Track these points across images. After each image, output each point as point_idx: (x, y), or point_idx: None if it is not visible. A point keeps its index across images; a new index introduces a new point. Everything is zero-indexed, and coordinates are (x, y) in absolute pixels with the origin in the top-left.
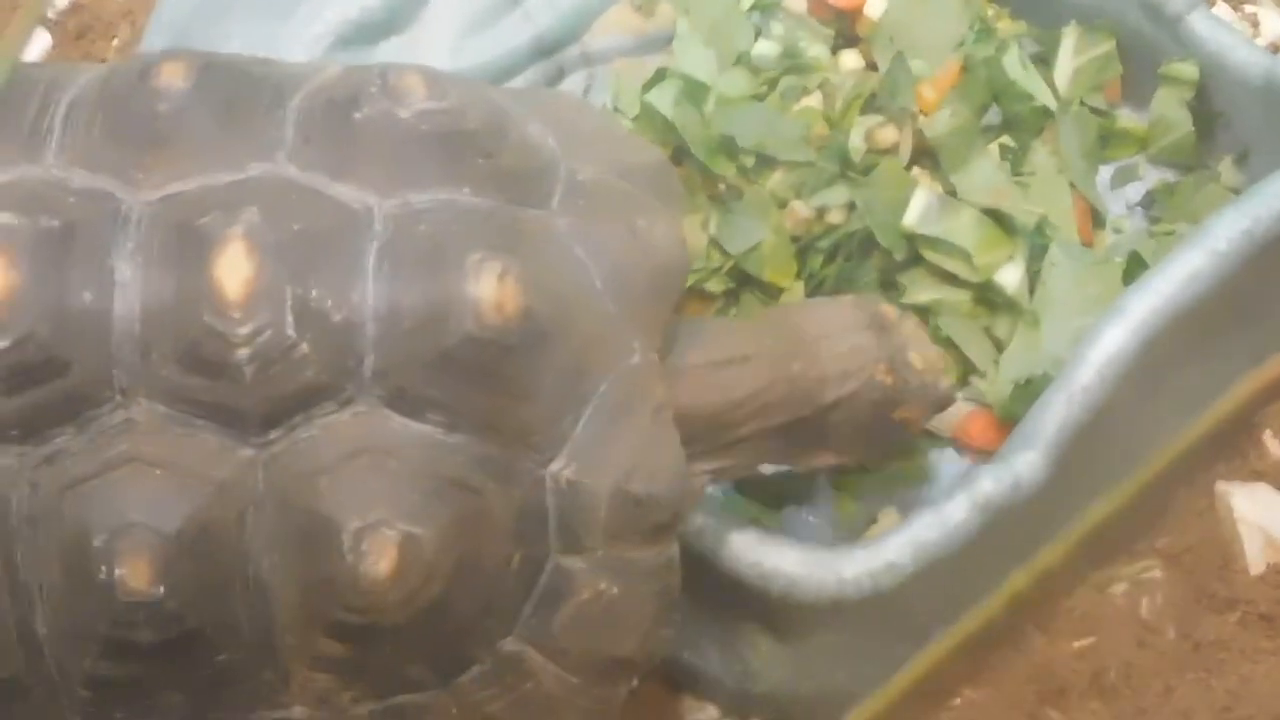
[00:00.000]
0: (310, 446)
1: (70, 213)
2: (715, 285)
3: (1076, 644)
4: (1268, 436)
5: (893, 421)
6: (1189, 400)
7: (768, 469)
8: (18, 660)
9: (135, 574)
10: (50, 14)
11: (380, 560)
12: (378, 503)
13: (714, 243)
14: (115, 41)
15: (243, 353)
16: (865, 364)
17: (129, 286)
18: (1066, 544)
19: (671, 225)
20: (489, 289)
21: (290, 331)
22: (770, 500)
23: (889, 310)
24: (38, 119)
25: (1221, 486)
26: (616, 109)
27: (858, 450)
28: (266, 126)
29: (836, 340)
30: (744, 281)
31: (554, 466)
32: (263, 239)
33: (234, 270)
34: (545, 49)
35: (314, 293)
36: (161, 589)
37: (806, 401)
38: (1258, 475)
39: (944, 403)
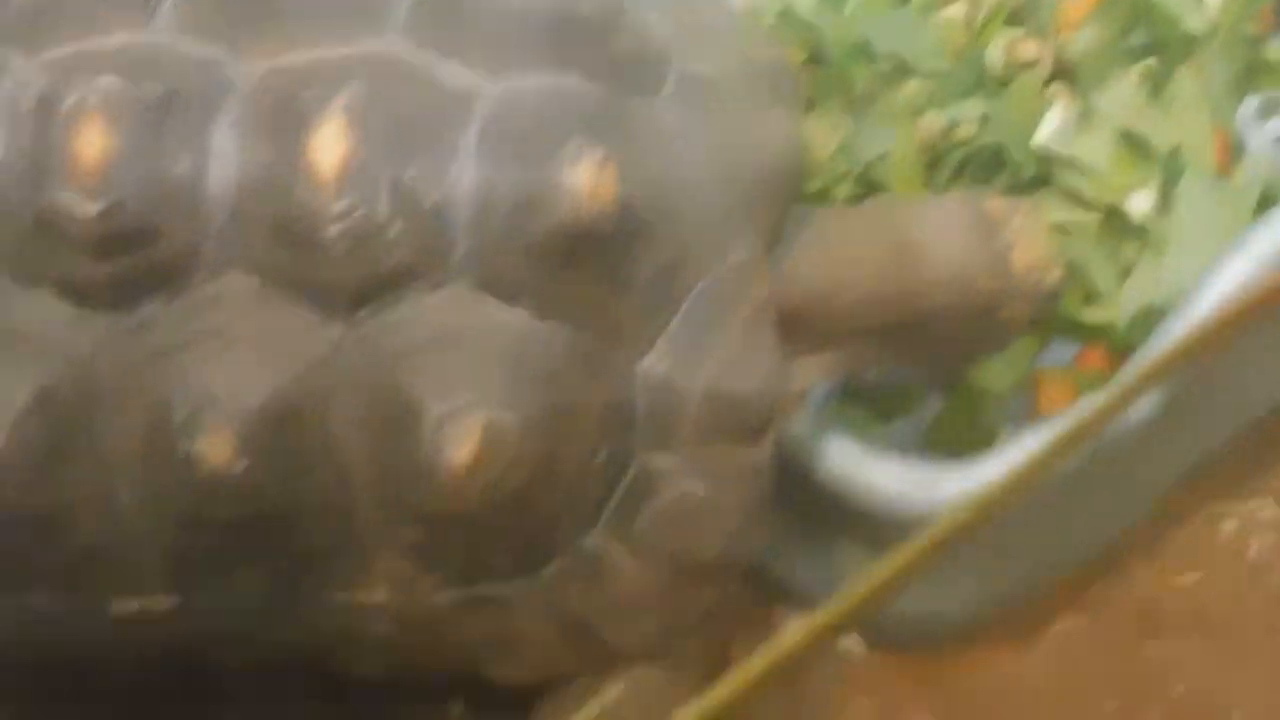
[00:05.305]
0: (399, 327)
1: (173, 80)
2: (841, 191)
3: (1180, 579)
4: None
5: (996, 323)
6: None
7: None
8: (98, 529)
9: (216, 449)
10: None
11: (461, 448)
12: (464, 387)
13: (843, 149)
14: None
15: (335, 230)
16: (968, 270)
17: (226, 158)
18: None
19: (787, 124)
20: (586, 177)
21: (384, 211)
22: (878, 410)
23: (996, 206)
24: None
25: None
26: (756, 6)
27: (957, 354)
28: (379, 2)
29: (943, 246)
30: (870, 189)
31: (646, 362)
32: (361, 117)
33: (330, 147)
34: None
35: (409, 173)
36: (242, 465)
37: (909, 306)
38: None
39: (1053, 296)
